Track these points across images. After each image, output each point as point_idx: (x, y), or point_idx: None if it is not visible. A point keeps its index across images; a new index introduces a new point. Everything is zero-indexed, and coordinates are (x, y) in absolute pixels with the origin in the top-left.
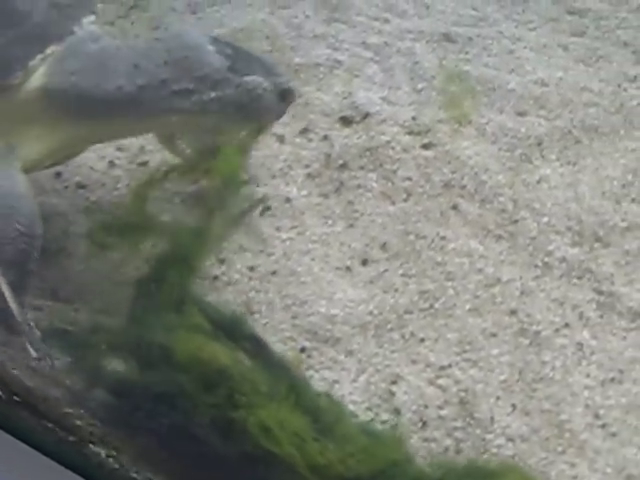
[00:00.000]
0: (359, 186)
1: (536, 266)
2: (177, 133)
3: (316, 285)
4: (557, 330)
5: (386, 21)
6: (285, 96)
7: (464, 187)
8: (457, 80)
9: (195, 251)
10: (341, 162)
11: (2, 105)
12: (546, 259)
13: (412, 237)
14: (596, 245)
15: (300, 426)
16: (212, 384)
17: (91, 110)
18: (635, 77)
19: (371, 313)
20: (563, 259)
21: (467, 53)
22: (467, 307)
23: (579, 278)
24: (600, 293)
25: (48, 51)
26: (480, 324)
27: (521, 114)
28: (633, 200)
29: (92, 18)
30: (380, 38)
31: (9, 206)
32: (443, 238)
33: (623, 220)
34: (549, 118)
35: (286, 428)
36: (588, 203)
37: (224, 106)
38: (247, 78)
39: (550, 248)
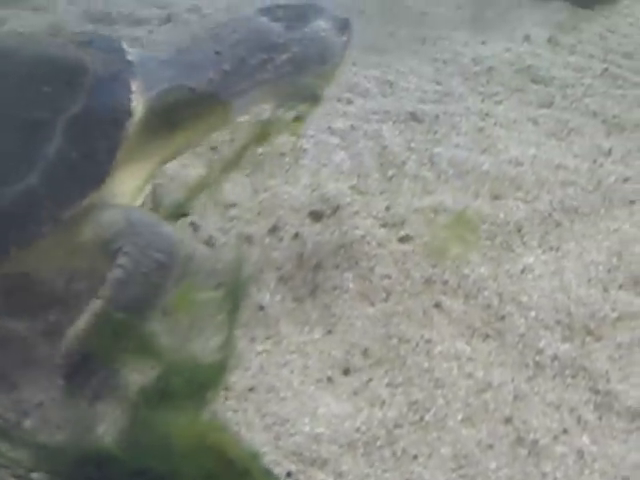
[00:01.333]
0: (335, 287)
1: (527, 366)
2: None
3: (297, 400)
4: (555, 437)
5: (349, 102)
6: (343, 28)
7: (446, 282)
8: (429, 164)
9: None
10: (315, 262)
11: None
12: (537, 358)
13: (395, 341)
14: (588, 339)
15: None
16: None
17: (186, 113)
18: (609, 150)
19: (358, 429)
20: (555, 357)
21: (436, 133)
22: (459, 417)
23: (573, 377)
24: (596, 392)
25: (133, 87)
26: (475, 435)
27: (498, 197)
28: (621, 286)
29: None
30: (345, 121)
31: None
32: (428, 341)
33: (613, 310)
34: (527, 200)
35: None
36: (575, 292)
37: (298, 63)
38: (306, 29)
39: (540, 345)
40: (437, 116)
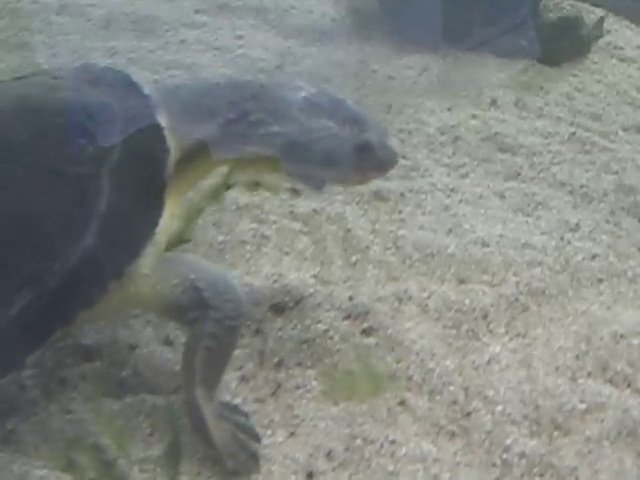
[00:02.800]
0: (298, 386)
1: (494, 465)
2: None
3: None
4: None
5: None
6: (362, 151)
7: (411, 378)
8: (393, 248)
9: None
10: (276, 360)
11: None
12: (504, 456)
13: (359, 442)
14: (555, 434)
15: None
16: None
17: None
18: (577, 225)
19: None
20: (522, 454)
21: (400, 212)
22: None
23: (541, 475)
24: None
25: (163, 123)
26: None
27: (464, 282)
28: (589, 374)
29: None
30: (309, 205)
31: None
32: (393, 442)
33: (582, 401)
34: (493, 284)
35: None
36: (543, 383)
37: (285, 144)
38: (315, 120)
39: (508, 442)
40: (402, 194)
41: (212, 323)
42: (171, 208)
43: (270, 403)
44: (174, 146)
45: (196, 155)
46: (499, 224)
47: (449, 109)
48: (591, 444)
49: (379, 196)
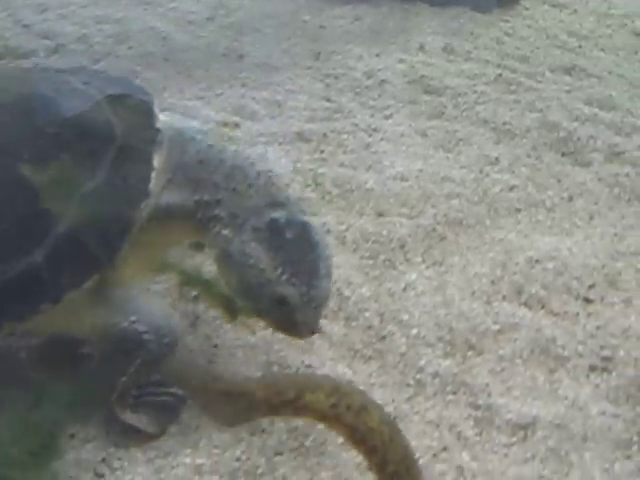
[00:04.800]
0: (216, 317)
1: (408, 385)
2: None
3: (180, 434)
4: (435, 455)
5: (236, 125)
6: (279, 304)
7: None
8: (313, 185)
9: None
10: (195, 293)
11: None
12: (418, 376)
13: (276, 368)
14: (469, 354)
15: None
16: None
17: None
18: (497, 159)
19: (239, 459)
20: (436, 374)
21: (322, 152)
22: (339, 441)
23: (454, 393)
24: (477, 408)
25: (155, 164)
26: (354, 458)
27: (382, 214)
28: (504, 298)
29: None
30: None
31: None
32: (309, 366)
33: (495, 322)
34: (411, 216)
35: None
36: (458, 307)
37: (223, 254)
38: (264, 247)
39: (421, 363)
40: (325, 134)
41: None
42: (152, 258)
43: (190, 334)
44: (154, 193)
45: (168, 216)
46: (419, 160)
47: (377, 55)
48: (504, 362)
49: (301, 137)
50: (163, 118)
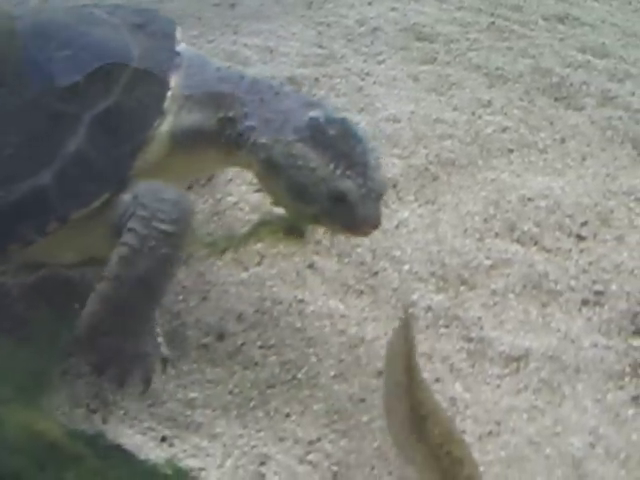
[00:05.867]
0: (208, 255)
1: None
2: None
3: (173, 368)
4: None
5: None
6: (337, 201)
7: (319, 242)
8: None
9: None
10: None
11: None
12: (410, 310)
13: (268, 304)
14: (462, 288)
15: None
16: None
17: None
18: (489, 102)
19: (231, 392)
20: (428, 308)
21: (314, 95)
22: (332, 373)
23: (446, 327)
24: (469, 340)
25: (172, 84)
26: (347, 390)
27: None
28: (497, 235)
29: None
30: None
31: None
32: (301, 301)
33: (487, 258)
34: (403, 156)
35: None
36: (450, 243)
37: (265, 160)
38: (309, 147)
39: (414, 298)
40: (317, 79)
41: (139, 224)
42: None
43: (182, 271)
44: (172, 113)
45: (190, 139)
46: (412, 103)
47: (369, 3)
48: (496, 297)
49: (293, 81)
50: (185, 46)
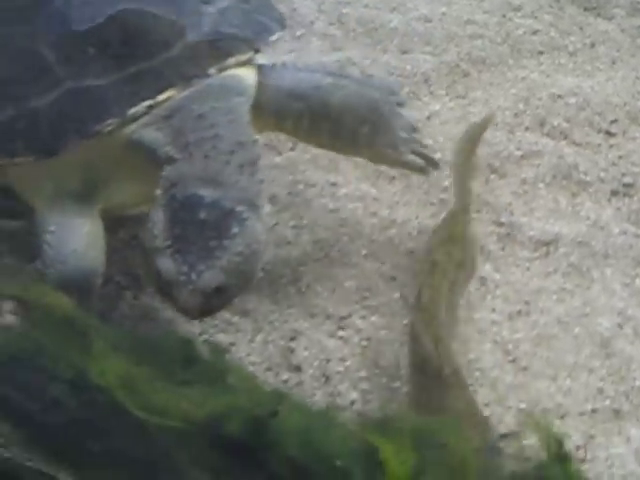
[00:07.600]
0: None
1: (432, 204)
2: None
3: None
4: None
5: None
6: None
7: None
8: (337, 23)
9: None
10: None
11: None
12: (441, 196)
13: (301, 186)
14: (492, 177)
15: (139, 374)
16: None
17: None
18: (520, 6)
19: (263, 269)
20: None
21: None
22: (363, 252)
23: (477, 212)
24: (500, 225)
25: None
26: (378, 268)
27: (406, 52)
28: (527, 129)
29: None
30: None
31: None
32: (334, 184)
33: (518, 149)
34: (435, 54)
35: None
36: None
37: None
38: None
39: (445, 184)
40: None
41: None
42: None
43: None
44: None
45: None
46: (443, 5)
47: None
48: (526, 185)
49: None
50: None
